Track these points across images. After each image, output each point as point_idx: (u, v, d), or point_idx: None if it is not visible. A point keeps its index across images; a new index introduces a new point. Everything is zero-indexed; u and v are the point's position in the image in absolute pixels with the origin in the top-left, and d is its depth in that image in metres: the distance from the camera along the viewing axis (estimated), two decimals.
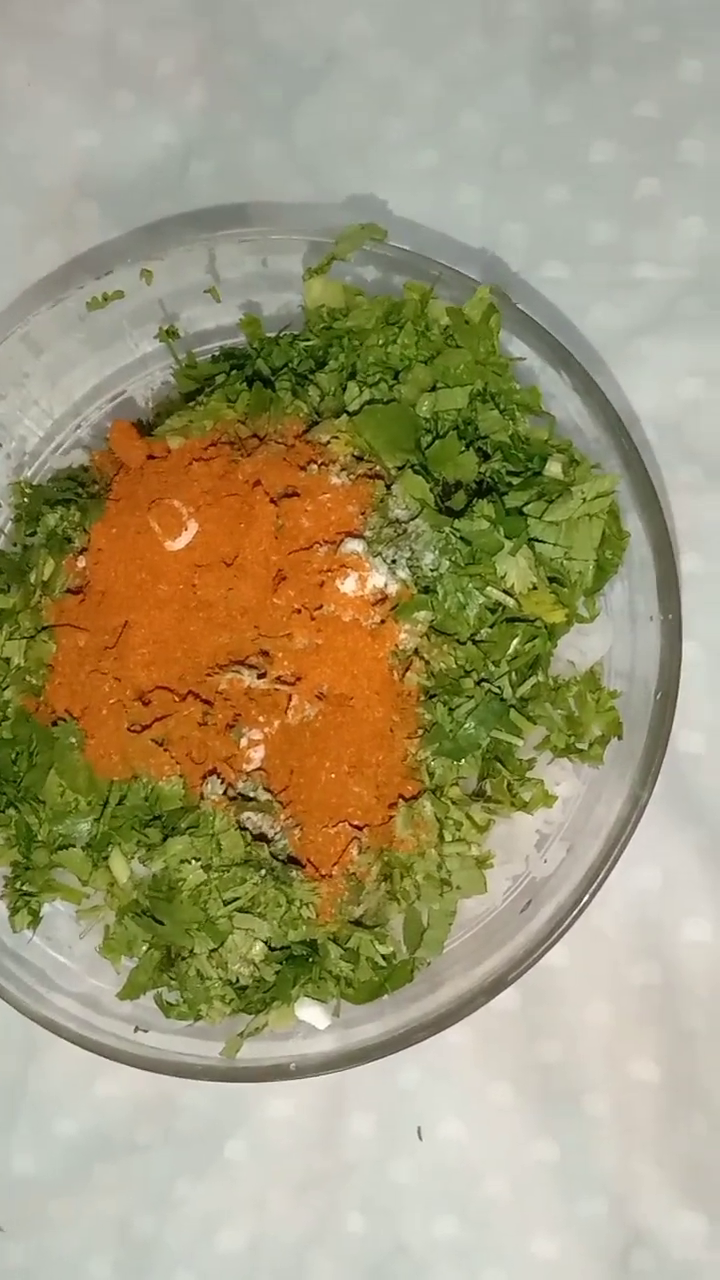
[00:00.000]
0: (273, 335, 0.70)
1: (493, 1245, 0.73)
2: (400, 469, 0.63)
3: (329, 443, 0.63)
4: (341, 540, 0.61)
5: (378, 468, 0.63)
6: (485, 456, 0.64)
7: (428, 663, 0.60)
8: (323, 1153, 0.74)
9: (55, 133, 0.89)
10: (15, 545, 0.73)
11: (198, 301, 0.74)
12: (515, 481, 0.63)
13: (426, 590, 0.61)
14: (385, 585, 0.61)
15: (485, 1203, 0.73)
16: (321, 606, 0.61)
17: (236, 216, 0.83)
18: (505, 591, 0.61)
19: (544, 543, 0.61)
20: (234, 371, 0.68)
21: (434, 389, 0.64)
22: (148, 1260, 0.75)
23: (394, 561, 0.61)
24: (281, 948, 0.62)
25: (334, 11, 0.89)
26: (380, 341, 0.65)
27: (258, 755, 0.62)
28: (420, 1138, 0.73)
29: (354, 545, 0.61)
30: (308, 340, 0.67)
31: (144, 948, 0.64)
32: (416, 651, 0.61)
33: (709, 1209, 0.71)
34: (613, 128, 0.83)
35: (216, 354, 0.73)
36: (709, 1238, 0.71)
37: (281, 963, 0.62)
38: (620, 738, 0.63)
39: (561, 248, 0.82)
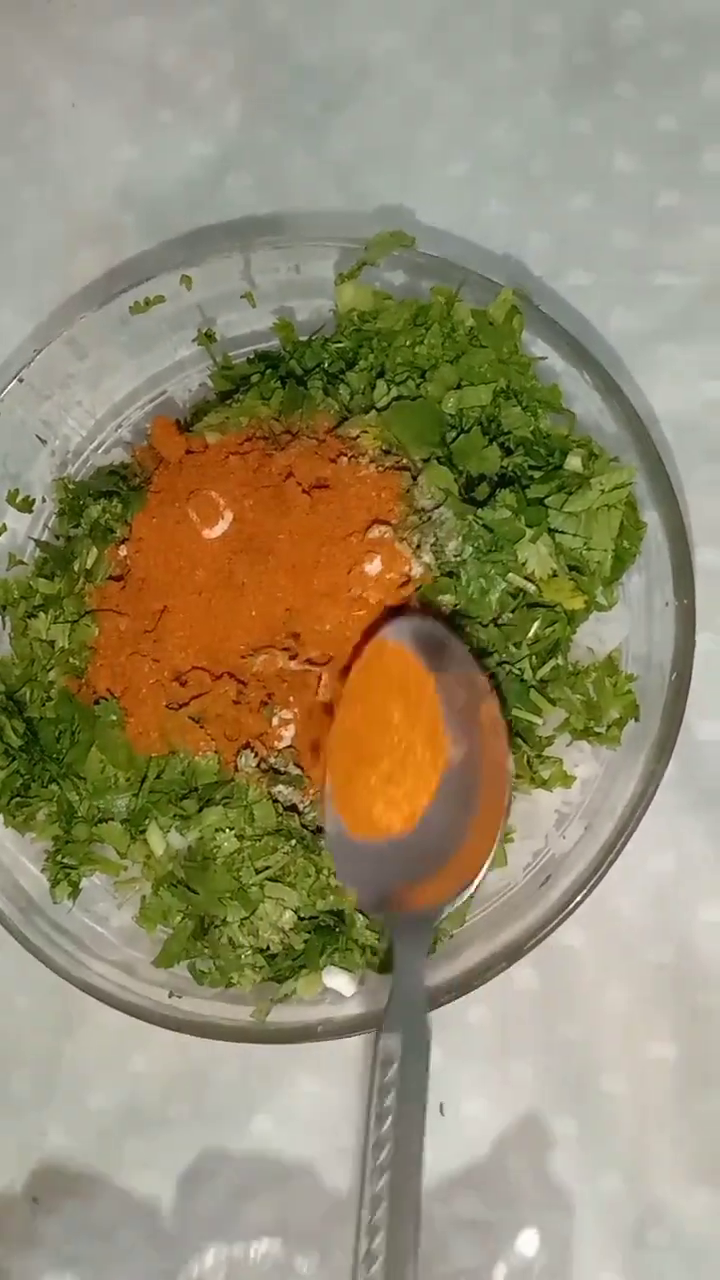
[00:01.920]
0: (305, 339, 0.73)
1: (512, 1220, 0.74)
2: (426, 461, 0.65)
3: (358, 437, 0.66)
4: (369, 527, 0.64)
5: (404, 460, 0.66)
6: (508, 451, 0.67)
7: None
8: (348, 1127, 0.75)
9: (98, 148, 0.93)
10: (59, 538, 0.76)
11: (234, 307, 0.77)
12: (536, 475, 0.66)
13: (450, 575, 0.63)
14: (410, 569, 0.64)
15: (505, 1178, 0.74)
16: (350, 590, 0.64)
17: (271, 226, 0.86)
18: (526, 578, 0.63)
19: (563, 533, 0.64)
20: (268, 371, 0.71)
21: (459, 387, 0.67)
22: (179, 1231, 0.76)
23: (418, 547, 0.64)
24: (310, 917, 0.65)
25: (367, 28, 0.92)
26: (408, 342, 0.68)
27: (289, 733, 0.65)
28: (442, 1114, 0.74)
29: (381, 531, 0.64)
30: (339, 342, 0.70)
31: (178, 917, 0.65)
32: None
33: None
34: (635, 140, 0.86)
35: (251, 357, 0.76)
36: None
37: (310, 932, 0.64)
38: (637, 720, 0.65)
39: (584, 255, 0.84)
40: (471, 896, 0.61)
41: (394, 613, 0.63)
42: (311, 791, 0.65)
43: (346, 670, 0.63)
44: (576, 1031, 0.74)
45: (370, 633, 0.63)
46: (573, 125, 0.87)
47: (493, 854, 0.59)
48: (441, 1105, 0.75)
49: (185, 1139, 0.77)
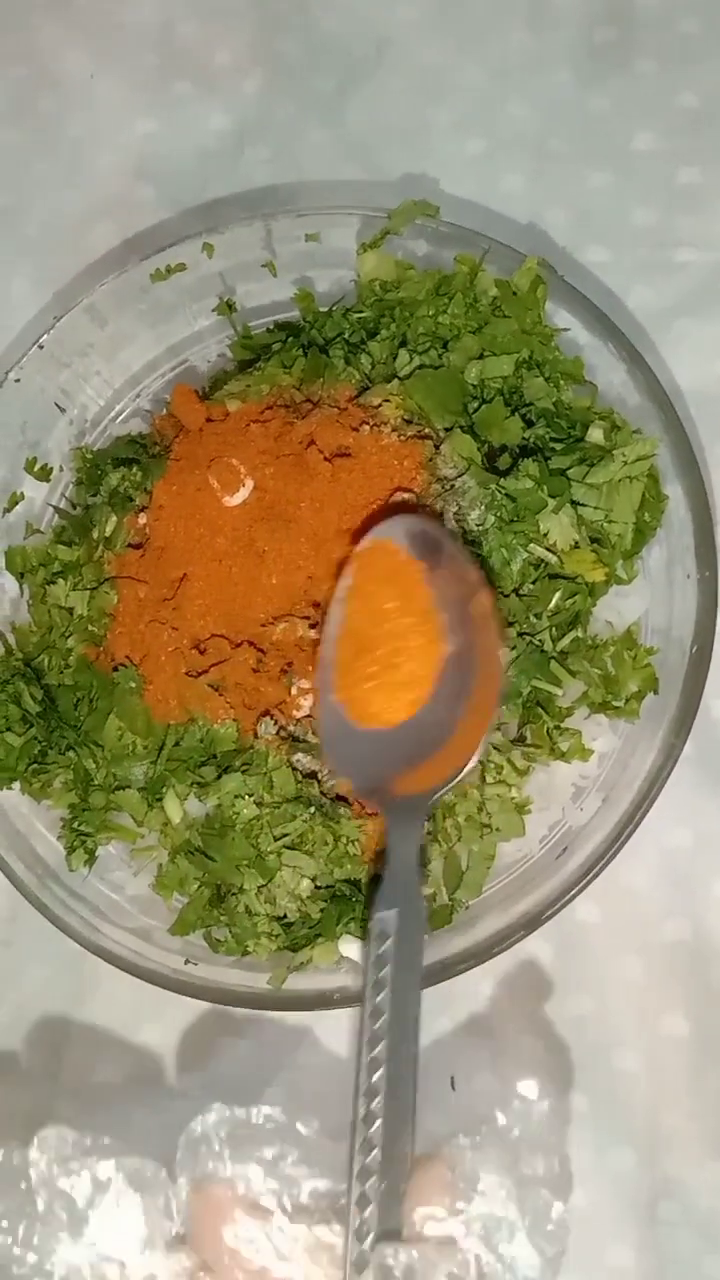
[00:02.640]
0: (326, 309, 0.73)
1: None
2: (448, 430, 0.65)
3: (380, 405, 0.66)
4: (392, 495, 0.64)
5: (426, 429, 0.66)
6: (529, 423, 0.67)
7: None
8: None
9: (115, 120, 0.93)
10: (75, 507, 0.76)
11: (254, 277, 0.77)
12: (558, 447, 0.66)
13: (471, 543, 0.63)
14: None
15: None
16: None
17: (290, 197, 0.86)
18: (548, 549, 0.63)
19: (585, 505, 0.64)
20: (290, 340, 0.71)
21: (481, 357, 0.67)
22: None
23: (441, 515, 0.64)
24: (327, 886, 0.65)
25: (384, 3, 0.92)
26: (430, 312, 0.68)
27: (308, 702, 0.65)
28: (453, 1088, 0.74)
29: (404, 498, 0.63)
30: (360, 312, 0.70)
31: (195, 885, 0.65)
32: None
33: None
34: (655, 117, 0.86)
35: (271, 327, 0.76)
36: None
37: (327, 901, 0.64)
38: (656, 693, 0.65)
39: (603, 232, 0.84)
40: (490, 871, 0.61)
41: (389, 511, 0.64)
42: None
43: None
44: (590, 1007, 0.74)
45: (365, 530, 0.63)
46: (592, 102, 0.88)
47: (484, 742, 0.60)
48: (453, 1079, 0.75)
49: (193, 1113, 0.73)
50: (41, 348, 0.74)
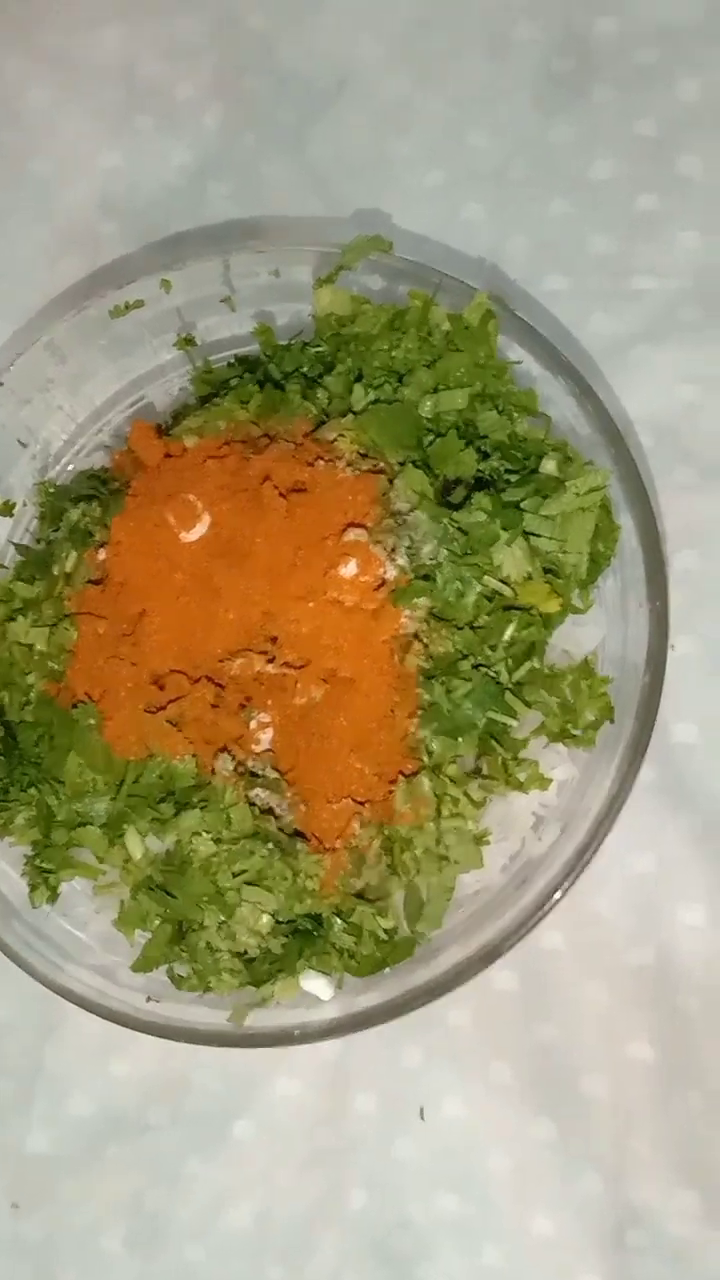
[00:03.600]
0: (284, 343, 0.73)
1: (492, 1222, 0.74)
2: (402, 464, 0.66)
3: (335, 440, 0.66)
4: (345, 530, 0.64)
5: (381, 464, 0.66)
6: (484, 455, 0.67)
7: (426, 646, 0.63)
8: (327, 1131, 0.75)
9: (79, 155, 0.93)
10: (40, 541, 0.76)
11: (213, 311, 0.77)
12: (513, 479, 0.66)
13: (425, 578, 0.64)
14: (385, 572, 0.64)
15: (485, 1180, 0.74)
16: (326, 593, 0.64)
17: (251, 231, 0.86)
18: (501, 581, 0.63)
19: (539, 536, 0.64)
20: (246, 375, 0.71)
21: (436, 391, 0.67)
22: (158, 1236, 0.76)
23: (393, 550, 0.64)
24: (287, 921, 0.65)
25: (345, 37, 0.92)
26: (385, 346, 0.68)
27: (267, 737, 0.65)
28: (422, 1117, 0.74)
29: (356, 534, 0.64)
30: (317, 346, 0.71)
31: (157, 922, 0.66)
32: (416, 635, 0.64)
33: (703, 1187, 0.72)
34: (613, 145, 0.86)
35: (231, 361, 0.76)
36: (703, 1215, 0.71)
37: (288, 935, 0.64)
38: (612, 721, 0.65)
39: (562, 260, 0.84)
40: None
41: None
42: (289, 794, 0.65)
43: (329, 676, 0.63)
44: (556, 1033, 0.74)
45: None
46: (552, 131, 0.88)
47: None
48: (422, 1109, 0.76)
49: (166, 1144, 0.77)
50: (1, 385, 0.74)
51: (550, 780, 0.65)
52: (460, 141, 0.89)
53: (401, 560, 0.64)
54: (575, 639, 0.67)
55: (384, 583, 0.64)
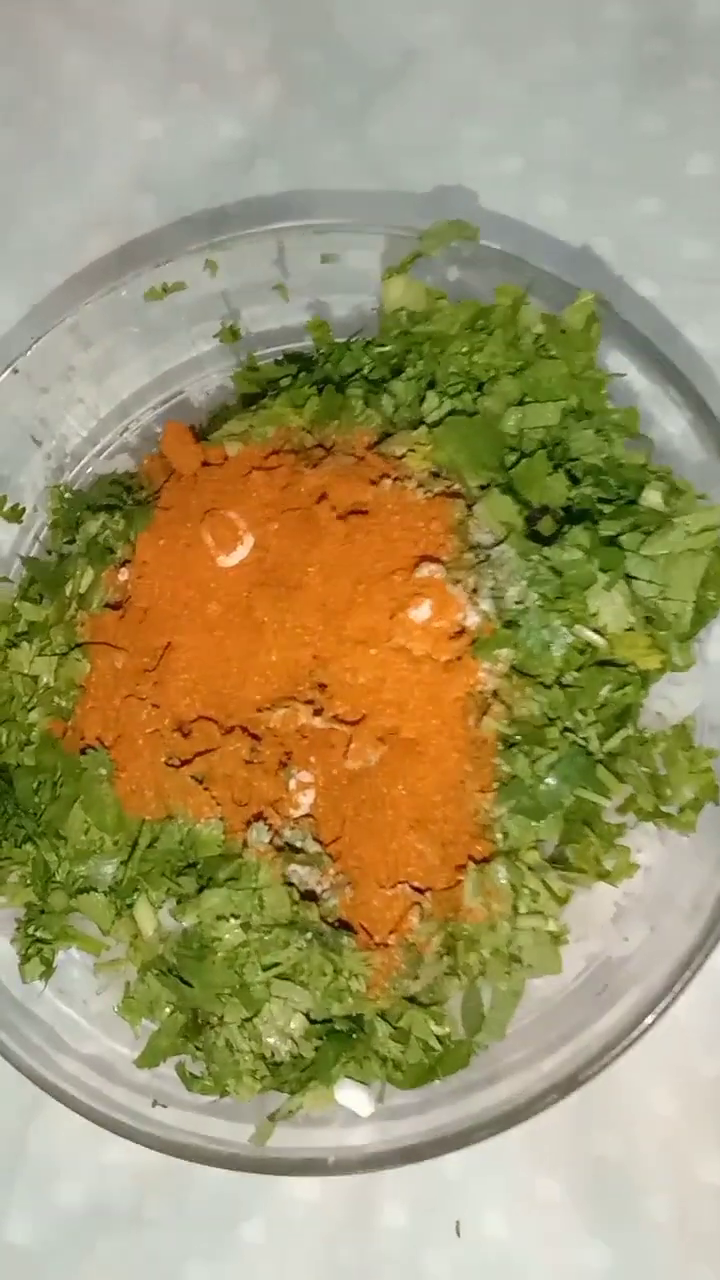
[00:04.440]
0: (342, 340, 0.65)
1: None
2: (484, 488, 0.57)
3: (404, 456, 0.58)
4: (417, 564, 0.55)
5: (456, 486, 0.58)
6: (573, 481, 0.58)
7: (509, 707, 0.54)
8: (350, 1243, 0.68)
9: (115, 125, 0.87)
10: (50, 554, 0.68)
11: (262, 299, 0.70)
12: (607, 510, 0.57)
13: (509, 625, 0.54)
14: (465, 617, 0.55)
15: None
16: (391, 639, 0.55)
17: (306, 209, 0.79)
18: (596, 631, 0.54)
19: (638, 579, 0.55)
20: (302, 374, 0.62)
21: (522, 403, 0.58)
22: None
23: (475, 591, 0.55)
24: (323, 1020, 0.56)
25: (413, 9, 0.87)
26: (464, 349, 0.60)
27: (306, 800, 0.56)
28: (458, 1234, 0.67)
29: (431, 570, 0.55)
30: (383, 345, 0.62)
31: (167, 1010, 0.59)
32: (495, 694, 0.54)
33: None
34: (710, 139, 0.80)
35: (279, 358, 0.69)
36: None
37: (322, 1038, 0.55)
38: (717, 802, 0.56)
39: (651, 264, 0.78)
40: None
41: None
42: (331, 873, 0.55)
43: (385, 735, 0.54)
44: (616, 1146, 0.67)
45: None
46: (641, 122, 0.82)
47: None
48: (458, 1224, 0.68)
49: (164, 1244, 0.69)
50: (16, 371, 0.66)
51: (637, 867, 0.56)
52: (538, 128, 0.83)
53: (486, 604, 0.54)
54: (670, 699, 0.58)
55: (463, 630, 0.55)
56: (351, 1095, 0.56)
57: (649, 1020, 0.52)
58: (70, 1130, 0.70)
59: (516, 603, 0.54)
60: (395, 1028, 0.55)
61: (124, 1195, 0.69)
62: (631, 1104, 0.67)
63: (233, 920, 0.54)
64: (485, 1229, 0.67)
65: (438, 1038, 0.55)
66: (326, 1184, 0.69)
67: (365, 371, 0.62)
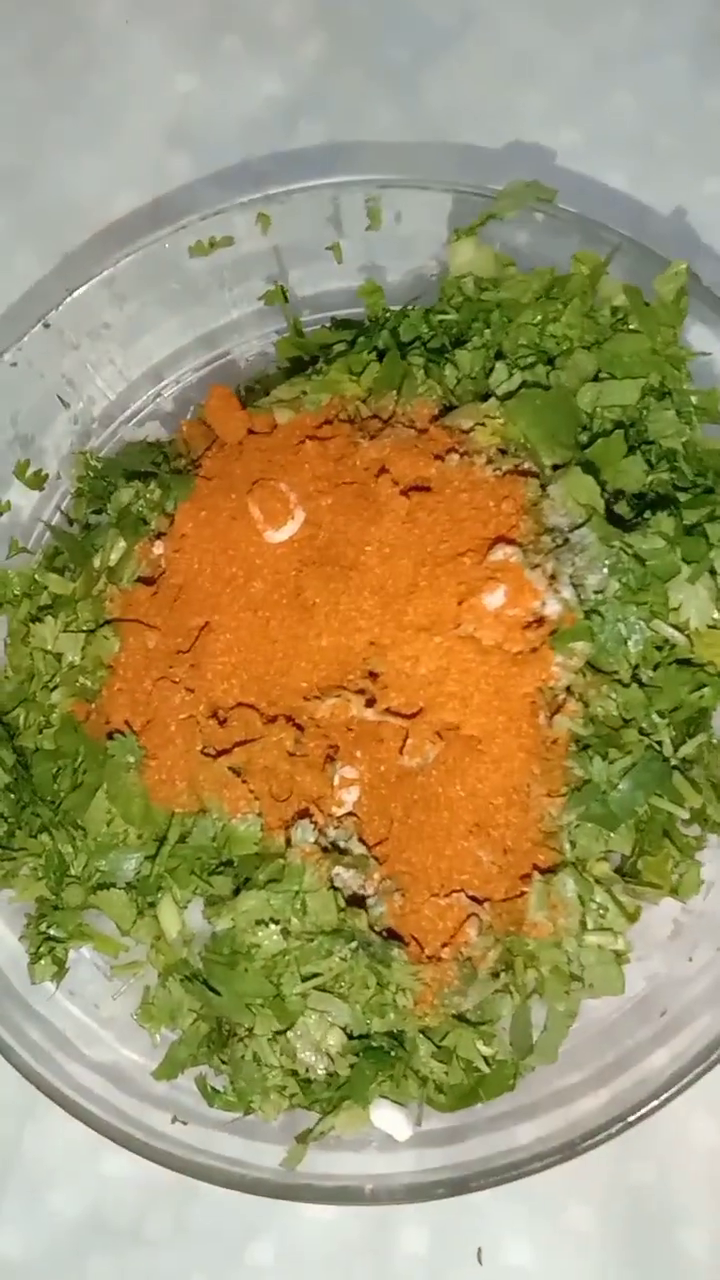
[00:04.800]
0: (399, 308, 0.61)
1: None
2: (558, 468, 0.53)
3: (472, 430, 0.54)
4: (491, 546, 0.51)
5: (528, 464, 0.54)
6: (649, 465, 0.54)
7: (586, 706, 0.50)
8: (365, 1268, 0.64)
9: (150, 76, 0.84)
10: (73, 524, 0.64)
11: (310, 260, 0.66)
12: (683, 497, 0.54)
13: (589, 615, 0.51)
14: (543, 605, 0.51)
15: None
16: (458, 626, 0.51)
17: (352, 169, 0.74)
18: (675, 628, 0.50)
19: (718, 574, 0.51)
20: (361, 340, 0.58)
21: (597, 379, 0.55)
22: None
23: (554, 577, 0.51)
24: (360, 1036, 0.52)
25: None
26: (536, 319, 0.56)
27: (350, 798, 0.53)
28: (480, 1261, 0.63)
29: (508, 552, 0.51)
30: (445, 313, 0.58)
31: (190, 1019, 0.55)
32: (569, 690, 0.51)
33: None
34: None
35: (327, 324, 0.65)
36: None
37: (359, 1054, 0.52)
38: None
39: (718, 245, 0.75)
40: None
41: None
42: (377, 877, 0.52)
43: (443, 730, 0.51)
44: (652, 1175, 0.64)
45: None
46: (710, 97, 0.79)
47: None
48: (480, 1251, 0.64)
49: (164, 1263, 0.65)
50: (47, 325, 0.63)
51: (703, 883, 0.52)
52: (601, 100, 0.81)
53: (566, 592, 0.50)
54: None
55: (540, 619, 0.51)
56: (388, 1117, 0.52)
57: (717, 1055, 0.48)
58: (68, 1138, 0.67)
59: (596, 592, 0.50)
60: (438, 1046, 0.51)
61: (123, 1209, 0.66)
62: (670, 1133, 0.63)
63: (272, 925, 0.51)
64: (509, 1257, 0.64)
65: (484, 1058, 0.51)
66: (340, 1206, 0.65)
67: (425, 340, 0.58)
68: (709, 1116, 0.64)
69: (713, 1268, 0.63)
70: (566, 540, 0.51)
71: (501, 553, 0.51)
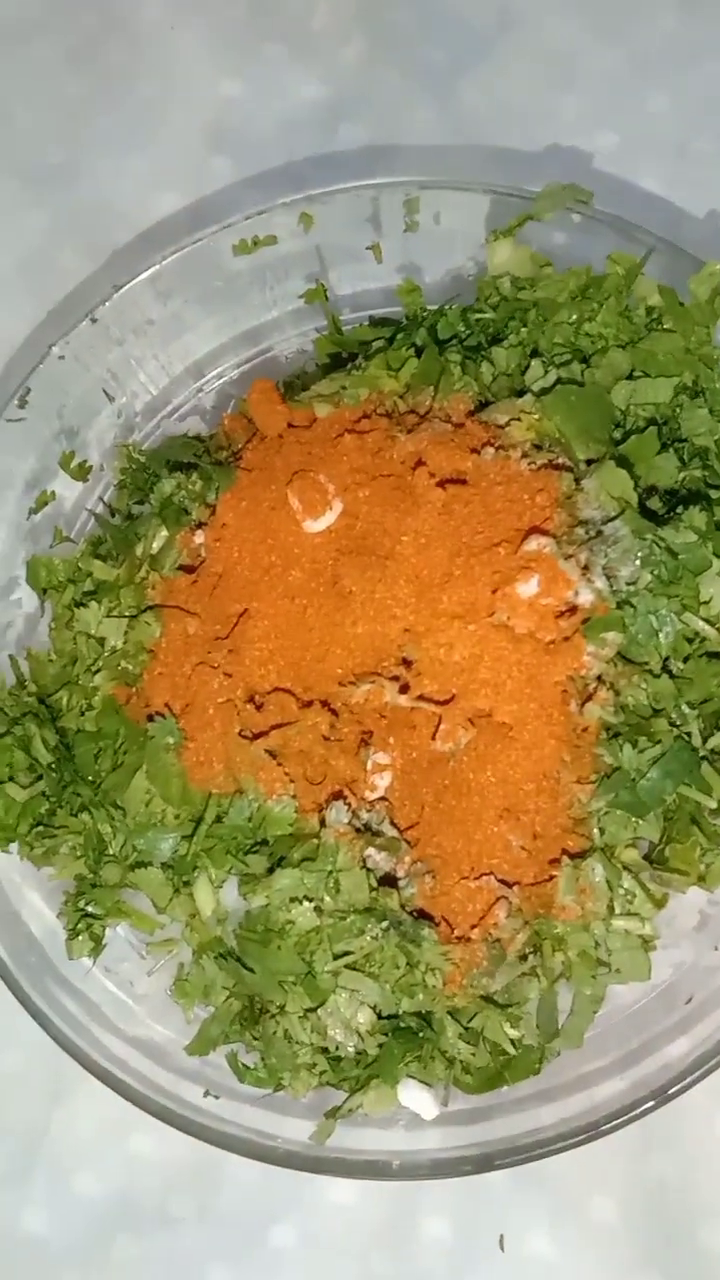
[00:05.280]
0: (436, 307, 0.62)
1: None
2: (591, 463, 0.53)
3: (507, 425, 0.55)
4: (525, 537, 0.52)
5: (562, 458, 0.54)
6: (681, 462, 0.55)
7: (617, 694, 0.50)
8: (387, 1254, 0.64)
9: (192, 79, 0.85)
10: (114, 514, 0.65)
11: (349, 259, 0.67)
12: (715, 494, 0.54)
13: (621, 606, 0.51)
14: (576, 595, 0.52)
15: None
16: (492, 614, 0.52)
17: (391, 170, 0.75)
18: (707, 621, 0.51)
19: None
20: (400, 336, 0.59)
21: (631, 377, 0.55)
22: None
23: (587, 568, 0.52)
24: (390, 1016, 0.53)
25: None
26: (572, 318, 0.57)
27: (382, 782, 0.54)
28: (502, 1249, 0.64)
29: (541, 543, 0.51)
30: (482, 312, 0.59)
31: (223, 996, 0.56)
32: (600, 679, 0.51)
33: None
34: None
35: (366, 322, 0.66)
36: None
37: (386, 1034, 0.52)
38: None
39: None
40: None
41: None
42: (408, 860, 0.52)
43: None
44: (675, 1169, 0.64)
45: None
46: None
47: None
48: (502, 1238, 0.65)
49: (188, 1244, 0.66)
50: (95, 320, 0.63)
51: None
52: (639, 103, 0.81)
53: (600, 582, 0.51)
54: None
55: (573, 609, 0.51)
56: (415, 1096, 0.53)
57: None
58: (96, 1117, 0.68)
59: (628, 584, 0.51)
60: (466, 1028, 0.52)
61: (148, 1190, 0.67)
62: (694, 1127, 0.63)
63: (306, 903, 0.51)
64: (530, 1247, 0.64)
65: (511, 1041, 0.51)
66: (364, 1190, 0.66)
67: (462, 338, 0.59)
68: None
69: None
70: (600, 532, 0.52)
71: (535, 543, 0.51)
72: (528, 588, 0.51)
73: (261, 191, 0.80)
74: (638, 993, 0.54)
